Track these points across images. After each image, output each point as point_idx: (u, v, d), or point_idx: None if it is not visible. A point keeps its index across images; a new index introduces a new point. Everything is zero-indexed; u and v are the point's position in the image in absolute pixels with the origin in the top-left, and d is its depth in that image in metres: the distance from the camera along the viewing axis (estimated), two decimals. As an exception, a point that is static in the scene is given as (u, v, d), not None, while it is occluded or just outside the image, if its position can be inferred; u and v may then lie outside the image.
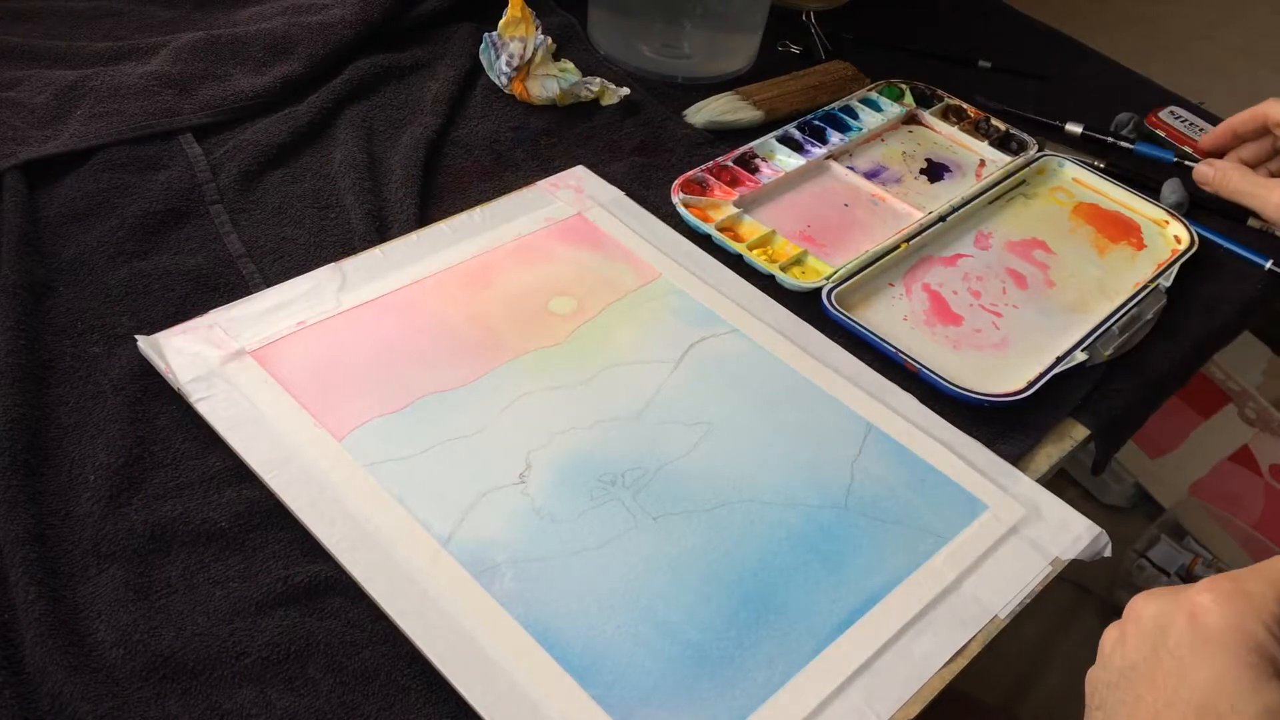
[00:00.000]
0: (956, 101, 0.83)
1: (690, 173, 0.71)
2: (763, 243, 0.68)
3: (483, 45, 0.78)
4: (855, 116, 0.80)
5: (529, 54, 0.75)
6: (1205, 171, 0.75)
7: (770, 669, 0.46)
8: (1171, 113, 0.85)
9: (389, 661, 0.46)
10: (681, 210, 0.68)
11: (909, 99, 0.83)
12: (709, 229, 0.67)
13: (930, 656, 0.48)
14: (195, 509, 0.50)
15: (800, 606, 0.49)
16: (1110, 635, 0.40)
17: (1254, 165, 0.77)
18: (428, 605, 0.46)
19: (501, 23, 0.76)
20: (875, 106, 0.81)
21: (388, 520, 0.49)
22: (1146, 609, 0.38)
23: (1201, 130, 0.83)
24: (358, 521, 0.49)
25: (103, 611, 0.46)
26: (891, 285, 0.67)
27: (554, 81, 0.76)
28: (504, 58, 0.76)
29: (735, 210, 0.69)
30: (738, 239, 0.68)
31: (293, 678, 0.45)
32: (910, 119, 0.82)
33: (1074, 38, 0.97)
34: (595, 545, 0.50)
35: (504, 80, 0.77)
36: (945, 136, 0.81)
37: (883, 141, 0.79)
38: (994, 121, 0.81)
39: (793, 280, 0.65)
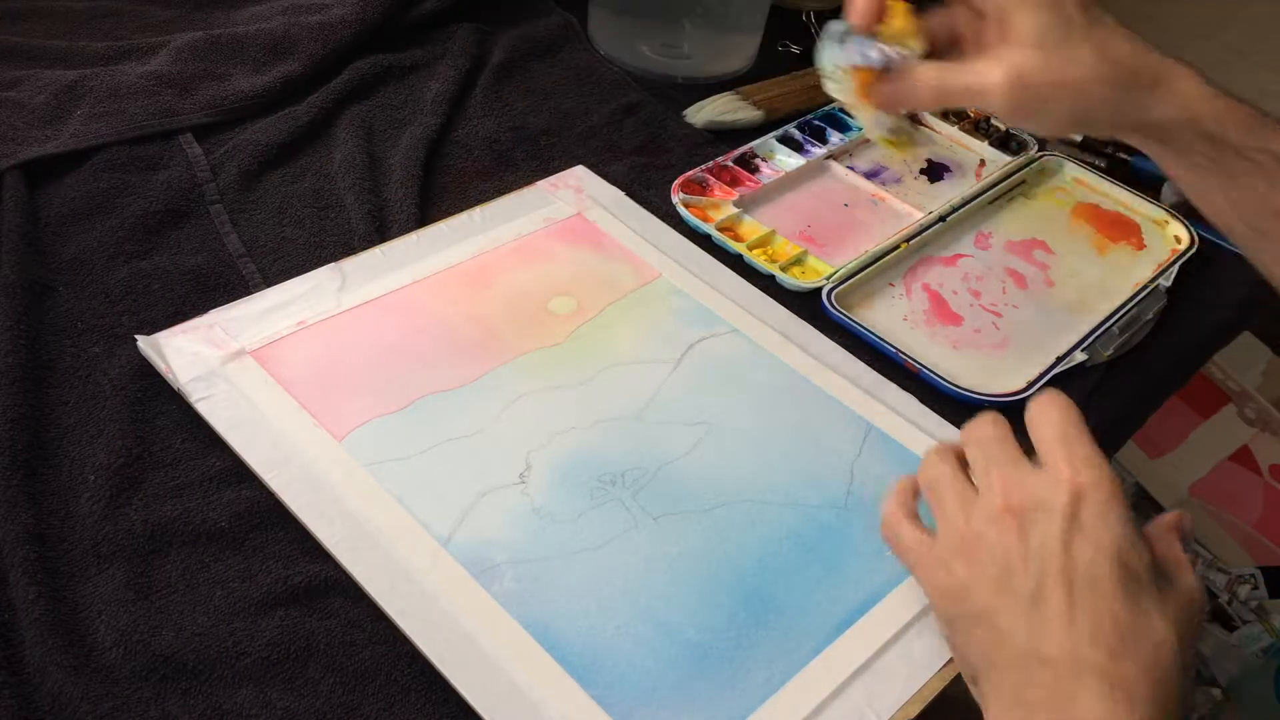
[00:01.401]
0: (958, 100, 0.83)
1: (690, 172, 0.71)
2: (762, 243, 0.68)
3: (829, 35, 0.55)
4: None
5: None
6: (897, 90, 0.53)
7: (770, 669, 0.46)
8: None
9: (389, 661, 0.46)
10: (681, 210, 0.68)
11: None
12: (709, 229, 0.67)
13: (930, 656, 0.48)
14: (195, 509, 0.50)
15: (800, 606, 0.49)
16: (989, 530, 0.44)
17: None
18: (428, 605, 0.46)
19: (884, 27, 0.54)
20: (876, 105, 0.81)
21: (388, 520, 0.49)
22: (1022, 494, 0.44)
23: None
24: (358, 521, 0.49)
25: (103, 611, 0.46)
26: (891, 285, 0.67)
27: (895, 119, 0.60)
28: (873, 52, 0.53)
29: (735, 210, 0.69)
30: (738, 239, 0.68)
31: (293, 678, 0.45)
32: (911, 117, 0.82)
33: (1074, 38, 0.97)
34: (595, 545, 0.50)
35: (844, 84, 0.55)
36: (945, 136, 0.81)
37: (884, 140, 0.79)
38: (994, 121, 0.81)
39: (793, 280, 0.65)
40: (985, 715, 0.42)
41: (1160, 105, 0.50)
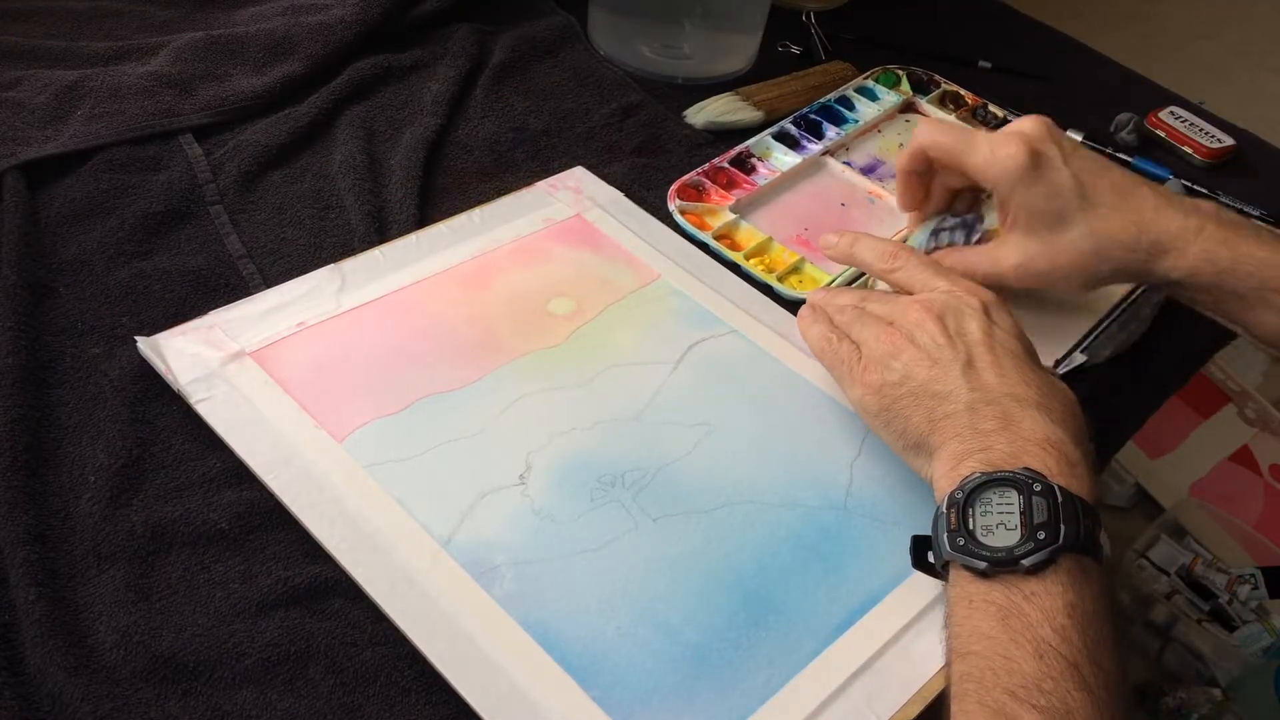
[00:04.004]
0: (954, 88, 0.83)
1: (686, 177, 0.71)
2: (759, 250, 0.67)
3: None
4: (851, 108, 0.80)
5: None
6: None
7: (770, 670, 0.46)
8: (1171, 113, 0.85)
9: (389, 663, 0.46)
10: (679, 218, 0.68)
11: (905, 86, 0.83)
12: (706, 237, 0.67)
13: (930, 656, 0.48)
14: (196, 510, 0.50)
15: (800, 607, 0.49)
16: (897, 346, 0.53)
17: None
18: (428, 606, 0.46)
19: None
20: (871, 95, 0.81)
21: (388, 521, 0.49)
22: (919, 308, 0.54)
23: (1202, 130, 0.83)
24: (358, 523, 0.49)
25: (103, 612, 0.46)
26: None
27: None
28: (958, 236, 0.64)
29: (732, 216, 0.69)
30: (735, 247, 0.67)
31: (293, 679, 0.45)
32: (907, 107, 0.81)
33: (1074, 38, 0.97)
34: (595, 546, 0.50)
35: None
36: None
37: (879, 133, 0.79)
38: (991, 108, 0.81)
39: (790, 290, 0.65)
40: (938, 457, 0.49)
41: (1163, 268, 0.57)
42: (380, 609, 0.47)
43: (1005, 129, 0.61)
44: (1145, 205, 0.57)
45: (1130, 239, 0.57)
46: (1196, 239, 0.56)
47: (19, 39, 0.75)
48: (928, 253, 0.63)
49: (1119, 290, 0.67)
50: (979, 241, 0.63)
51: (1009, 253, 0.60)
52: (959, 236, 0.64)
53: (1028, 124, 0.59)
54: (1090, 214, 0.57)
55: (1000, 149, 0.58)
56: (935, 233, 0.64)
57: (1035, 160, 0.57)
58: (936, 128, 0.61)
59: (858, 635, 0.48)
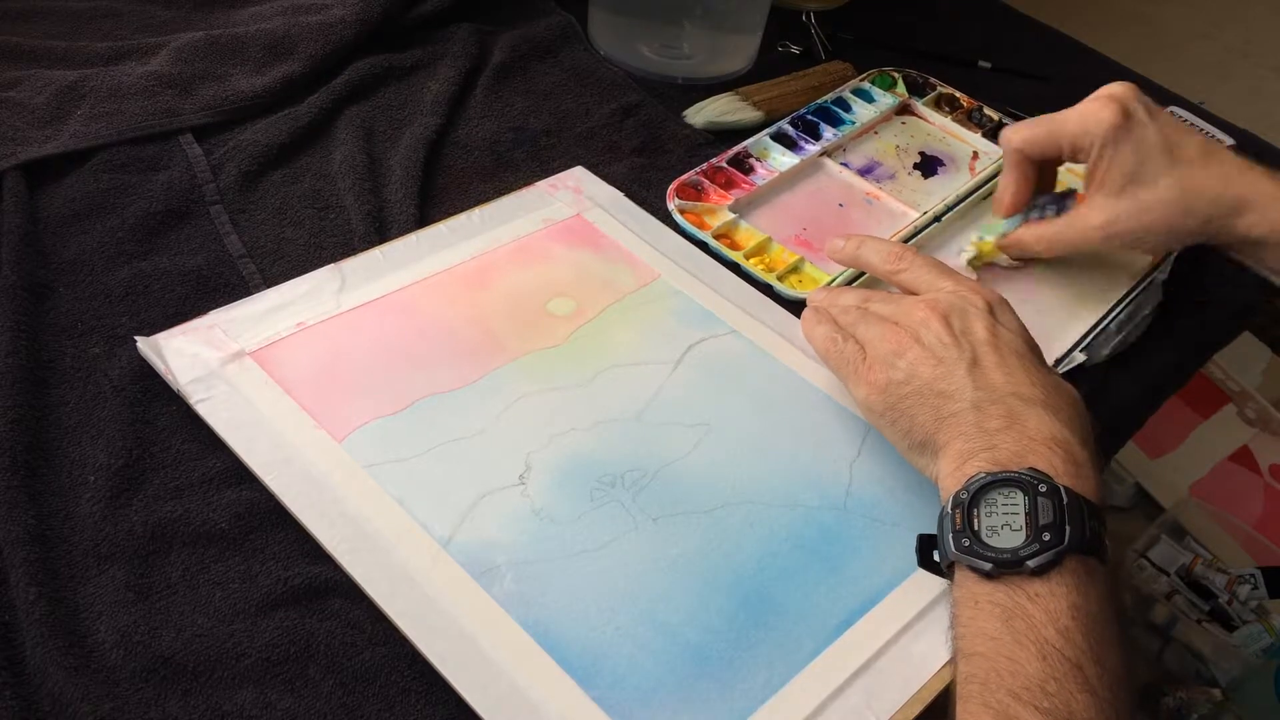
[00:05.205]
0: (949, 90, 0.83)
1: (684, 176, 0.71)
2: (759, 250, 0.68)
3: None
4: (848, 109, 0.80)
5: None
6: (1016, 244, 0.66)
7: (770, 670, 0.46)
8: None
9: (389, 663, 0.46)
10: (678, 218, 0.68)
11: (901, 88, 0.83)
12: (705, 237, 0.67)
13: (930, 656, 0.48)
14: (195, 510, 0.50)
15: (800, 608, 0.49)
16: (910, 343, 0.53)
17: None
18: (428, 606, 0.46)
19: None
20: (868, 97, 0.81)
21: (388, 522, 0.49)
22: (936, 319, 0.53)
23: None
24: (358, 523, 0.49)
25: (103, 612, 0.46)
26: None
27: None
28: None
29: (731, 216, 0.69)
30: (734, 246, 0.67)
31: (293, 679, 0.45)
32: (903, 109, 0.81)
33: (1074, 38, 0.97)
34: (595, 547, 0.50)
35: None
36: (938, 127, 0.80)
37: (876, 134, 0.79)
38: (987, 111, 0.81)
39: (789, 290, 0.65)
40: (943, 456, 0.49)
41: (1245, 224, 0.59)
42: (380, 609, 0.47)
43: (1094, 95, 0.63)
44: (1230, 164, 0.59)
45: (1216, 193, 0.59)
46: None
47: (19, 39, 0.75)
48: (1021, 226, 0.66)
49: (1119, 290, 0.68)
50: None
51: (1095, 213, 0.62)
52: (1050, 211, 0.65)
53: (1116, 88, 0.62)
54: (1177, 169, 0.59)
55: (1092, 111, 0.61)
56: (1027, 211, 0.66)
57: (1125, 119, 0.60)
58: (1020, 127, 0.64)
59: (858, 635, 0.48)
